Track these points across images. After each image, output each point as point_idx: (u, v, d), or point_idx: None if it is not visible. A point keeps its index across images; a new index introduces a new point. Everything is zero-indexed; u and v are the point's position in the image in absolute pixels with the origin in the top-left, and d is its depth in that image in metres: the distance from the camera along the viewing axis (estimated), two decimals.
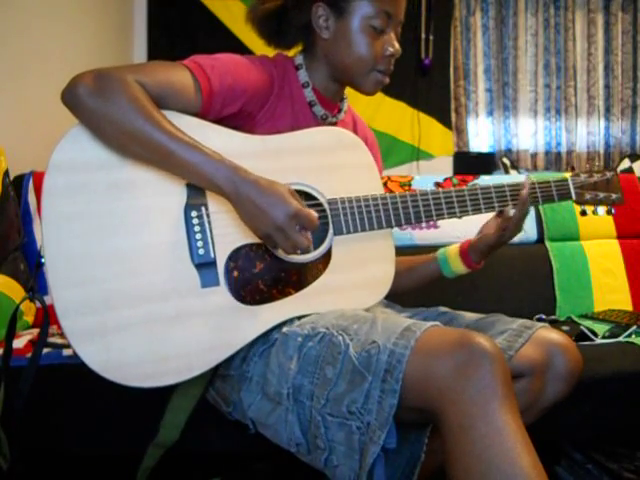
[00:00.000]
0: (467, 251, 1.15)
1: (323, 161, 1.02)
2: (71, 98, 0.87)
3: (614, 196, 1.15)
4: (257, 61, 1.02)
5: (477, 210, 1.08)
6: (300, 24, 1.07)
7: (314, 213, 0.92)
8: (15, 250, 1.53)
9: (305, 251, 0.96)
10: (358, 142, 1.07)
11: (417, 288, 1.21)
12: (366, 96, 1.10)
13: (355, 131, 1.19)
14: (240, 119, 1.00)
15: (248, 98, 0.99)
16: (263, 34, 1.11)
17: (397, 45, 1.05)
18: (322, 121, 1.09)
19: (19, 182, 1.65)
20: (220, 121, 0.98)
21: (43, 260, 0.86)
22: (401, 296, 1.17)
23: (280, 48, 1.12)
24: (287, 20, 1.08)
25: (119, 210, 0.89)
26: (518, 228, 1.09)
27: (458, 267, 1.16)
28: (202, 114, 0.95)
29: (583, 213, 1.16)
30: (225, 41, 3.00)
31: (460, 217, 1.07)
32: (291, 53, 1.12)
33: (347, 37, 1.03)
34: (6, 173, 1.56)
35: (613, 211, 1.16)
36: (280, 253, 0.97)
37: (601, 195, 1.14)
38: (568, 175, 1.14)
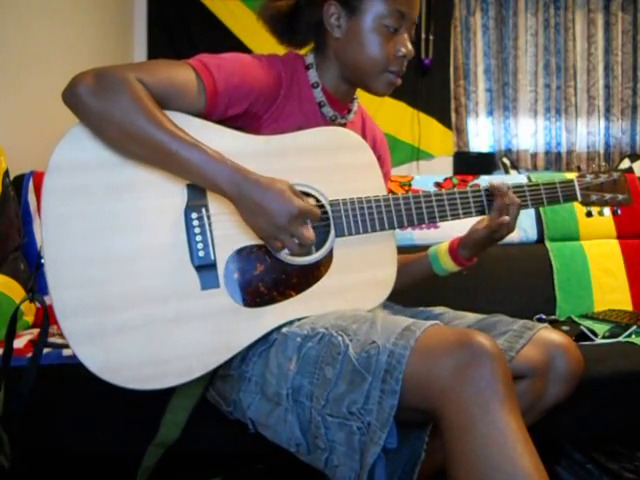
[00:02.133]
0: (457, 247, 1.12)
1: (326, 162, 1.02)
2: (72, 98, 0.87)
3: (621, 197, 1.13)
4: (265, 61, 1.01)
5: (480, 212, 1.07)
6: (312, 22, 1.05)
7: (315, 208, 0.92)
8: (15, 250, 1.53)
9: (307, 251, 0.96)
10: (361, 143, 1.06)
11: (410, 286, 1.18)
12: (375, 96, 1.08)
13: (364, 131, 1.18)
14: (245, 119, 0.99)
15: (254, 99, 0.97)
16: (275, 32, 1.09)
17: (410, 46, 1.03)
18: (331, 122, 1.08)
19: (19, 182, 1.65)
20: (224, 121, 0.97)
21: (43, 261, 0.86)
22: (401, 296, 1.17)
23: (292, 47, 1.11)
24: (299, 18, 1.06)
25: (119, 211, 0.89)
26: (510, 228, 1.06)
27: (447, 264, 1.14)
28: (206, 114, 0.95)
29: (589, 214, 1.14)
30: (225, 41, 3.00)
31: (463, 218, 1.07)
32: (302, 52, 1.10)
33: (359, 36, 1.01)
34: (6, 173, 1.55)
35: (619, 212, 1.14)
36: (281, 255, 0.97)
37: (607, 196, 1.12)
38: (574, 176, 1.13)
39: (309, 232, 0.91)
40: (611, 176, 1.13)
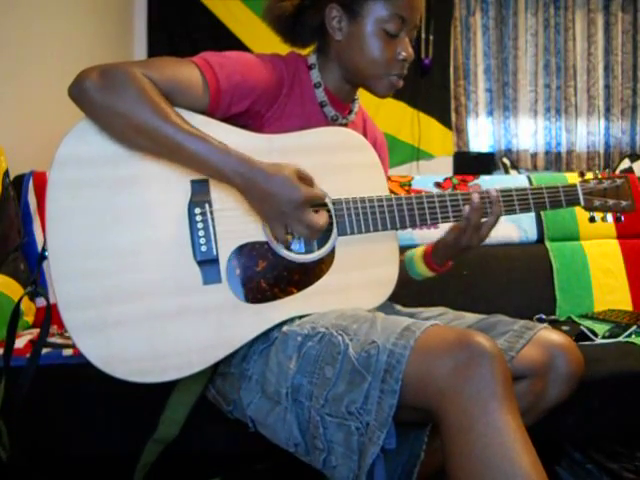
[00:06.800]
0: (430, 253, 1.12)
1: (329, 161, 1.02)
2: (78, 92, 0.88)
3: (624, 203, 1.12)
4: (267, 60, 1.02)
5: (484, 213, 1.06)
6: (314, 24, 1.06)
7: (320, 191, 0.92)
8: (15, 250, 1.53)
9: (309, 249, 0.95)
10: (364, 142, 1.06)
11: None
12: (377, 97, 1.09)
13: (365, 132, 1.18)
14: (248, 118, 1.00)
15: (257, 97, 0.98)
16: (279, 32, 1.10)
17: (410, 50, 1.04)
18: (332, 122, 1.09)
19: (19, 182, 1.65)
20: (227, 119, 0.97)
21: (46, 253, 0.87)
22: (401, 296, 1.16)
23: (295, 46, 1.11)
24: (302, 19, 1.07)
25: (123, 205, 0.90)
26: (478, 234, 1.04)
27: (421, 269, 1.14)
28: (209, 112, 0.95)
29: (592, 220, 1.13)
30: (225, 41, 3.00)
31: None
32: (305, 52, 1.11)
33: (360, 40, 1.02)
34: (6, 173, 1.55)
35: (622, 219, 1.13)
36: (283, 252, 0.97)
37: (610, 202, 1.11)
38: (577, 181, 1.12)
39: (318, 217, 0.91)
40: (614, 182, 1.12)
